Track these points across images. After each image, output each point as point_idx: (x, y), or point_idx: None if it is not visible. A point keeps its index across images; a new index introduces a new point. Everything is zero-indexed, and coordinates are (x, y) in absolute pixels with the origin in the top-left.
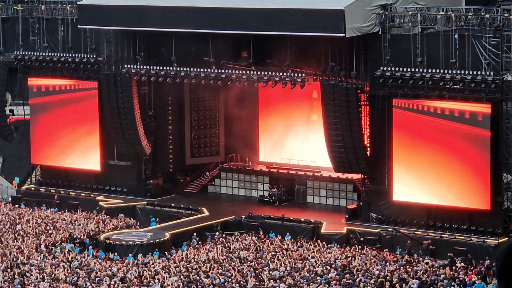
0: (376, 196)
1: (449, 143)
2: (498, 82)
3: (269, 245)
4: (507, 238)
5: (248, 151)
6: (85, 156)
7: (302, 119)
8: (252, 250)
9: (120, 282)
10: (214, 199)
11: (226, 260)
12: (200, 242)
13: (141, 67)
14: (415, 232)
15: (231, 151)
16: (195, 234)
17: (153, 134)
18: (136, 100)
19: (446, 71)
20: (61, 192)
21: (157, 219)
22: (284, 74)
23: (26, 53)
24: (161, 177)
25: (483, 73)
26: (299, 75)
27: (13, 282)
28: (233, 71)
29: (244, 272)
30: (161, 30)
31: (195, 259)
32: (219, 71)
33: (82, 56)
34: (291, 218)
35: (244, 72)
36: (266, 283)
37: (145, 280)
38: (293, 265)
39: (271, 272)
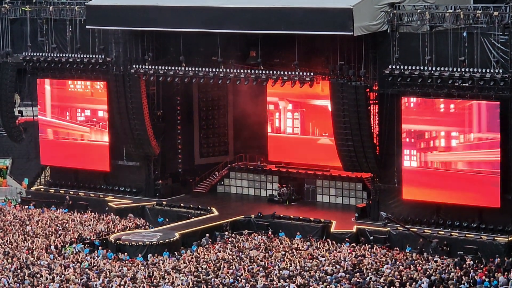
0: (386, 195)
1: (458, 141)
2: (507, 79)
3: (279, 244)
4: None
5: (257, 150)
6: (94, 156)
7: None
8: (262, 250)
9: (130, 282)
10: (223, 199)
11: (236, 260)
12: (210, 241)
13: (150, 67)
14: (425, 231)
15: (240, 150)
16: (207, 235)
17: (162, 134)
18: (145, 100)
19: (455, 69)
20: (71, 192)
21: (167, 219)
22: (293, 73)
23: (35, 54)
24: (170, 177)
25: (492, 70)
26: (308, 74)
27: (23, 283)
28: (242, 71)
29: (254, 272)
30: (169, 30)
31: (205, 259)
32: (228, 70)
33: (91, 56)
34: (301, 218)
35: (252, 71)
36: (275, 283)
37: (155, 280)
38: (303, 264)
39: (281, 271)
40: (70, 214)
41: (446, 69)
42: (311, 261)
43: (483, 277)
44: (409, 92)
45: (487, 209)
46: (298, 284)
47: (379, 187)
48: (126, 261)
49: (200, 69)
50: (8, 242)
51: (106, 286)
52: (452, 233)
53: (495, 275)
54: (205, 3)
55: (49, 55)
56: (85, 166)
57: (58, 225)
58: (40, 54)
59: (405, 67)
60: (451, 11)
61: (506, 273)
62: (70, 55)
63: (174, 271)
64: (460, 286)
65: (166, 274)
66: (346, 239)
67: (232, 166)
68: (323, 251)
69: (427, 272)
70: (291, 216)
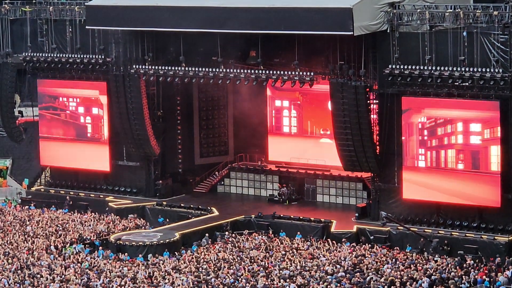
0: (386, 195)
1: (458, 140)
2: (507, 79)
3: (279, 244)
4: None
5: (257, 150)
6: (94, 156)
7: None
8: (262, 250)
9: (131, 283)
10: (223, 199)
11: (236, 260)
12: (210, 241)
13: (150, 67)
14: (425, 230)
15: (240, 150)
16: (207, 235)
17: (162, 134)
18: (145, 100)
19: (454, 69)
20: (71, 193)
21: (167, 219)
22: (293, 73)
23: (35, 55)
24: (170, 177)
25: (492, 70)
26: (308, 73)
27: (23, 283)
28: (242, 71)
29: (254, 272)
30: (169, 30)
31: (205, 259)
32: (228, 70)
33: (91, 57)
34: (301, 217)
35: (252, 71)
36: (276, 283)
37: (155, 281)
38: (303, 264)
39: (281, 271)
40: (70, 215)
41: (446, 68)
42: (311, 261)
43: (484, 277)
44: (409, 91)
45: (488, 208)
46: (299, 284)
47: (379, 187)
48: (127, 261)
49: (200, 69)
50: (8, 242)
51: (107, 287)
52: (453, 233)
53: (496, 274)
54: (205, 3)
55: (49, 55)
56: (85, 166)
57: (59, 225)
58: (40, 55)
59: (405, 67)
60: (451, 10)
61: (505, 272)
62: (70, 56)
63: (174, 271)
64: (460, 285)
65: (166, 274)
66: (343, 240)
67: (232, 166)
68: (324, 251)
69: (428, 272)
70: (292, 216)
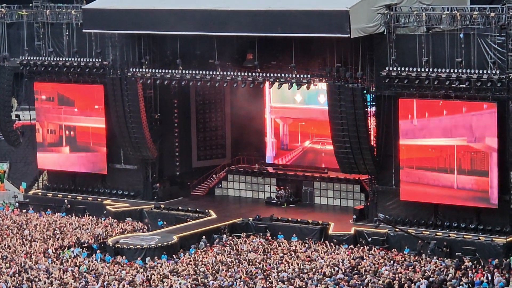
0: (384, 196)
1: (455, 142)
2: (504, 80)
3: (277, 246)
4: None
5: (255, 152)
6: (92, 160)
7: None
8: (260, 252)
9: (129, 286)
10: (221, 202)
11: (234, 263)
12: (208, 244)
13: (147, 70)
14: (423, 232)
15: (237, 153)
16: (204, 237)
17: (159, 137)
18: (142, 103)
19: (452, 71)
20: (68, 196)
21: (165, 222)
22: (290, 75)
23: (32, 58)
24: (167, 180)
25: (489, 72)
26: (305, 76)
27: (21, 287)
28: (239, 73)
29: (252, 274)
30: (166, 33)
31: (203, 262)
32: (225, 73)
33: (88, 60)
34: (299, 220)
35: (249, 74)
36: (274, 285)
37: (153, 284)
38: (301, 267)
39: (279, 273)
40: (68, 218)
41: (443, 70)
42: (309, 263)
43: (482, 278)
44: (406, 93)
45: (485, 210)
46: (297, 286)
47: (377, 189)
48: (125, 265)
49: (197, 72)
50: (6, 246)
51: None
52: (450, 234)
53: (494, 276)
54: (202, 5)
55: (46, 59)
56: (82, 170)
57: (56, 229)
58: (37, 58)
59: (402, 69)
60: (448, 12)
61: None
62: (67, 59)
63: (172, 274)
64: (458, 287)
65: (164, 277)
66: (334, 241)
67: (230, 168)
68: (322, 253)
69: (426, 274)
70: (289, 219)
